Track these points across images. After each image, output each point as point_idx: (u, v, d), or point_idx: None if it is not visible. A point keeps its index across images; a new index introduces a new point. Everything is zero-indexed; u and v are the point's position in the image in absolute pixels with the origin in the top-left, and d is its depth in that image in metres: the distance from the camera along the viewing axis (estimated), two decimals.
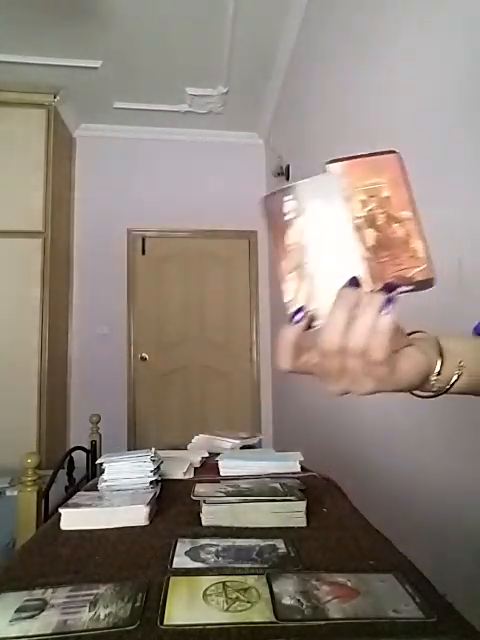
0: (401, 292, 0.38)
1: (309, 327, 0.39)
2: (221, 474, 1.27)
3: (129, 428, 3.90)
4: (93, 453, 2.52)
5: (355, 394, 0.42)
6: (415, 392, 0.47)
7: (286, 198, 0.38)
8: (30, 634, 0.57)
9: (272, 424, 4.01)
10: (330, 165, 0.39)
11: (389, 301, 0.37)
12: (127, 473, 1.11)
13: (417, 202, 0.39)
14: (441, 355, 0.46)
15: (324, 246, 0.37)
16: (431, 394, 0.47)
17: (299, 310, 0.39)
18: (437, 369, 0.45)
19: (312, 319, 0.39)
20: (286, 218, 0.38)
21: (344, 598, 0.63)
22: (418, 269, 0.38)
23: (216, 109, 3.82)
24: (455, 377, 0.46)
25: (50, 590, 0.67)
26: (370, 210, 0.38)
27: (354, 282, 0.38)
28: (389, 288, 0.38)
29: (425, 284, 0.39)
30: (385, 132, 1.78)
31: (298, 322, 0.39)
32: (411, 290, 0.38)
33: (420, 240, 0.38)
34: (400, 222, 0.38)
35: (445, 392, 0.47)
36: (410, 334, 0.48)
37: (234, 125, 4.09)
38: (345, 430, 2.22)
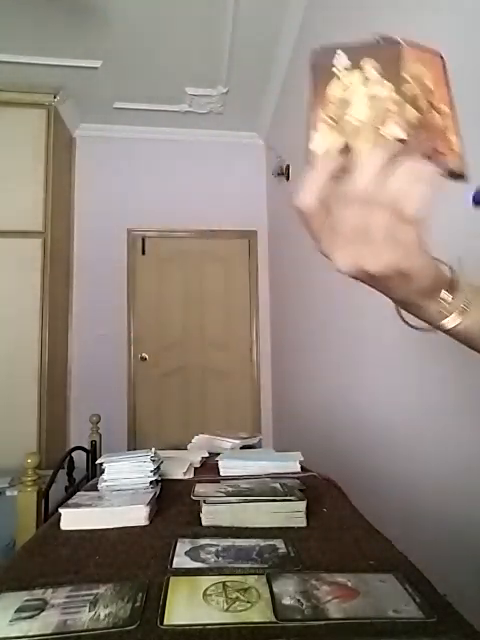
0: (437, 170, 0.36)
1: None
2: (221, 474, 1.27)
3: (129, 428, 3.90)
4: (93, 453, 2.52)
5: (365, 267, 0.36)
6: (413, 321, 0.45)
7: (339, 52, 0.37)
8: (30, 634, 0.57)
9: (272, 424, 4.01)
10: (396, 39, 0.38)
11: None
12: (127, 473, 1.11)
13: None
14: (455, 283, 0.43)
15: (368, 107, 0.36)
16: (438, 317, 0.44)
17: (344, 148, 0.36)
18: (448, 282, 0.43)
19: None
20: (334, 70, 0.37)
21: (344, 598, 0.63)
22: (455, 159, 0.37)
23: (216, 109, 3.82)
24: (462, 305, 0.43)
25: (50, 590, 0.67)
26: (413, 93, 0.37)
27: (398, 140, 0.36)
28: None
29: (457, 176, 0.38)
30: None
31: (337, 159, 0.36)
32: (443, 175, 0.37)
33: (457, 136, 0.38)
34: (440, 113, 0.38)
35: (445, 328, 0.44)
36: None
37: (234, 125, 4.09)
38: (345, 430, 2.22)
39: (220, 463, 1.31)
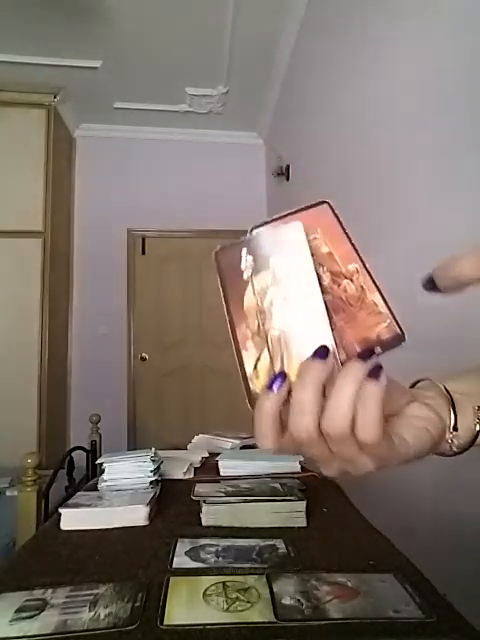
0: (375, 354, 0.31)
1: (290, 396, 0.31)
2: (221, 474, 1.27)
3: (129, 428, 3.90)
4: (93, 453, 2.51)
5: (355, 474, 0.34)
6: (437, 453, 0.39)
7: (244, 252, 0.33)
8: (30, 634, 0.57)
9: None
10: (257, 231, 0.34)
11: (376, 370, 0.29)
12: (127, 473, 1.11)
13: (362, 250, 0.34)
14: (453, 405, 0.37)
15: (288, 307, 0.32)
16: (453, 453, 0.38)
17: (277, 376, 0.31)
18: (452, 423, 0.37)
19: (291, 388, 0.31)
20: (245, 276, 0.33)
21: (344, 598, 0.63)
22: (383, 325, 0.32)
23: (216, 109, 3.82)
24: (477, 427, 0.37)
25: (50, 590, 0.67)
26: (319, 272, 0.33)
27: (322, 353, 0.30)
28: (363, 356, 0.30)
29: (394, 341, 0.32)
30: (386, 132, 1.78)
31: (277, 391, 0.30)
32: (382, 352, 0.32)
33: (376, 292, 0.33)
34: (349, 277, 0.33)
35: (470, 447, 0.38)
36: (413, 385, 0.40)
37: (234, 125, 4.09)
38: None
39: (220, 463, 1.31)
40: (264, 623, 0.58)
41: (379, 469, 0.33)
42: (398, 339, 0.32)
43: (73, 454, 2.17)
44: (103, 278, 3.97)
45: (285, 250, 0.33)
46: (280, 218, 0.34)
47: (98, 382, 3.83)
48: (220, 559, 0.76)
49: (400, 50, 1.65)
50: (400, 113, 1.65)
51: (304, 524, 0.92)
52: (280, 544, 0.82)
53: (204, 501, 0.95)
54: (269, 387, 0.31)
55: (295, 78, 3.13)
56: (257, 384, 0.32)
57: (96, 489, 1.11)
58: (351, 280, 0.33)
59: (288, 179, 3.31)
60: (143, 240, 4.11)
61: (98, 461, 1.21)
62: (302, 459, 1.30)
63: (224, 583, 0.67)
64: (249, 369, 0.32)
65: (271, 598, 0.63)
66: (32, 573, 0.74)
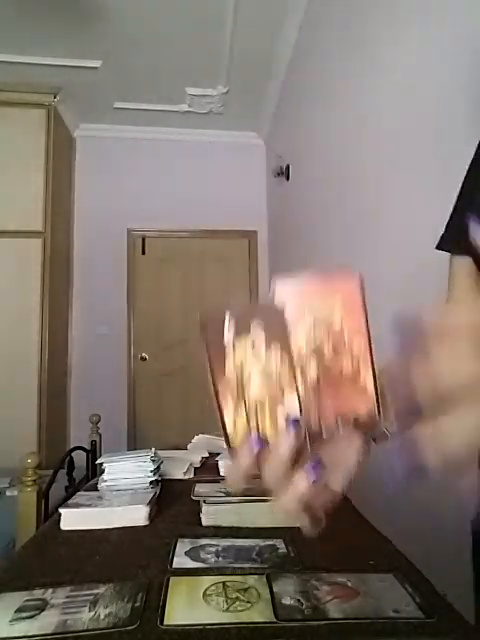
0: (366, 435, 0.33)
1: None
2: (221, 474, 1.27)
3: (129, 428, 3.90)
4: (93, 453, 2.51)
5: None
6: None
7: (227, 323, 0.34)
8: (30, 634, 0.56)
9: None
10: (278, 287, 0.34)
11: (315, 466, 0.33)
12: (127, 473, 1.11)
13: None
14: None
15: (263, 384, 0.34)
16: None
17: (254, 440, 0.34)
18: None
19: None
20: (226, 339, 0.34)
21: (344, 598, 0.63)
22: (365, 407, 0.33)
23: (216, 109, 3.82)
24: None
25: (50, 590, 0.67)
26: (316, 340, 0.34)
27: (294, 424, 0.33)
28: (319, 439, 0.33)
29: (369, 425, 0.33)
30: (386, 132, 1.78)
31: (254, 450, 0.33)
32: (368, 438, 0.33)
33: (370, 373, 0.33)
34: (350, 355, 0.34)
35: None
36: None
37: (234, 125, 4.09)
38: None
39: (220, 463, 1.31)
40: (264, 623, 0.58)
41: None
42: (374, 424, 0.33)
43: (73, 454, 2.17)
44: (103, 278, 3.97)
45: (264, 324, 0.34)
46: (302, 279, 0.35)
47: (98, 382, 3.83)
48: (220, 559, 0.76)
49: (400, 50, 1.65)
50: (401, 113, 1.65)
51: None
52: (280, 544, 0.82)
53: (204, 501, 0.95)
54: (247, 445, 0.34)
55: (295, 78, 3.13)
56: (235, 438, 0.34)
57: (96, 489, 1.11)
58: (351, 358, 0.34)
59: (288, 179, 3.31)
60: (143, 240, 4.11)
61: (98, 461, 1.21)
62: None
63: (224, 583, 0.67)
64: (230, 428, 0.34)
65: (271, 598, 0.63)
66: (32, 573, 0.74)
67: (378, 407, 0.33)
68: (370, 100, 1.92)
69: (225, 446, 0.35)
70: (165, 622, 0.58)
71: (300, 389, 0.34)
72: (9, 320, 3.22)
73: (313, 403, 0.34)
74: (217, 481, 1.16)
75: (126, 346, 3.98)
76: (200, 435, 1.77)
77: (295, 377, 0.34)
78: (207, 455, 1.53)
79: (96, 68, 3.28)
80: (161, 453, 1.25)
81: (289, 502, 0.33)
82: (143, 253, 4.11)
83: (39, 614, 0.60)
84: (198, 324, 0.37)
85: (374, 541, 0.86)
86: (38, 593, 0.66)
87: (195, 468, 1.40)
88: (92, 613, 0.60)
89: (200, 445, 1.69)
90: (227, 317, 0.34)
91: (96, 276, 3.96)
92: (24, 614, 0.61)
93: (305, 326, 0.34)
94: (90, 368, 3.86)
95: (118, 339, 3.95)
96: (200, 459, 1.47)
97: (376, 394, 0.33)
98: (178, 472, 1.30)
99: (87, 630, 0.57)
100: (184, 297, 4.10)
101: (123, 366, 3.95)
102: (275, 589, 0.65)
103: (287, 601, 0.62)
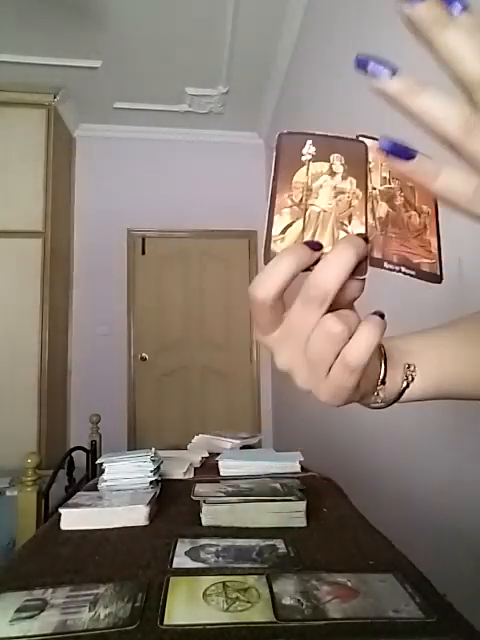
0: (402, 273, 0.34)
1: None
2: (221, 474, 1.27)
3: (129, 428, 3.90)
4: (93, 453, 2.52)
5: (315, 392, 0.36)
6: (363, 403, 0.40)
7: (309, 142, 0.35)
8: (30, 634, 0.56)
9: (272, 424, 4.01)
10: (363, 139, 0.36)
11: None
12: (127, 473, 1.11)
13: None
14: (384, 359, 0.38)
15: (333, 199, 0.34)
16: (378, 406, 0.39)
17: (312, 244, 0.32)
18: (381, 376, 0.38)
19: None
20: (303, 158, 0.35)
21: (344, 598, 0.63)
22: (427, 261, 0.34)
23: (216, 109, 3.82)
24: (404, 384, 0.38)
25: (50, 590, 0.67)
26: (390, 188, 0.35)
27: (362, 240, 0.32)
28: (379, 263, 0.33)
29: (430, 277, 0.34)
30: (386, 132, 1.78)
31: (309, 250, 0.31)
32: (414, 276, 0.34)
33: (435, 237, 0.35)
34: (419, 213, 0.35)
35: (394, 402, 0.39)
36: None
37: (234, 125, 4.09)
38: (345, 430, 2.22)
39: (220, 463, 1.31)
40: (264, 623, 0.58)
41: (333, 397, 0.35)
42: (435, 278, 0.34)
43: (73, 454, 2.17)
44: (103, 278, 3.97)
45: (344, 157, 0.35)
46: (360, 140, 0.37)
47: (98, 382, 3.84)
48: (220, 559, 0.76)
49: (401, 50, 1.65)
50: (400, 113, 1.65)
51: (304, 524, 0.92)
52: (280, 544, 0.82)
53: (204, 501, 0.95)
54: (301, 246, 0.32)
55: (295, 78, 3.13)
56: (279, 245, 0.33)
57: (96, 489, 1.11)
58: (420, 216, 0.35)
59: None
60: (143, 240, 4.11)
61: (98, 461, 1.21)
62: (302, 459, 1.30)
63: (224, 583, 0.67)
64: (276, 231, 0.33)
65: (271, 598, 0.63)
66: (32, 573, 0.74)
67: (440, 268, 0.34)
68: (370, 100, 1.92)
69: (263, 251, 0.33)
70: (165, 622, 0.58)
71: (369, 218, 0.34)
72: (9, 320, 3.22)
73: (379, 237, 0.34)
74: (217, 481, 1.16)
75: (126, 346, 3.98)
76: (200, 435, 1.77)
77: (366, 205, 0.34)
78: (207, 455, 1.53)
79: (96, 68, 3.28)
80: (161, 453, 1.25)
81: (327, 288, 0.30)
82: (143, 253, 4.11)
83: (39, 614, 0.60)
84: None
85: (374, 541, 0.86)
86: (38, 593, 0.66)
87: (195, 468, 1.40)
88: (92, 613, 0.60)
89: (200, 445, 1.69)
90: (309, 141, 0.35)
91: (96, 276, 3.96)
92: (24, 614, 0.61)
93: (381, 173, 0.35)
94: (90, 368, 3.86)
95: (118, 339, 3.95)
96: (200, 459, 1.47)
97: (439, 255, 0.34)
98: (178, 472, 1.30)
99: (87, 630, 0.57)
100: (184, 297, 4.10)
101: (123, 366, 3.95)
102: (275, 589, 0.65)
103: (287, 601, 0.62)
